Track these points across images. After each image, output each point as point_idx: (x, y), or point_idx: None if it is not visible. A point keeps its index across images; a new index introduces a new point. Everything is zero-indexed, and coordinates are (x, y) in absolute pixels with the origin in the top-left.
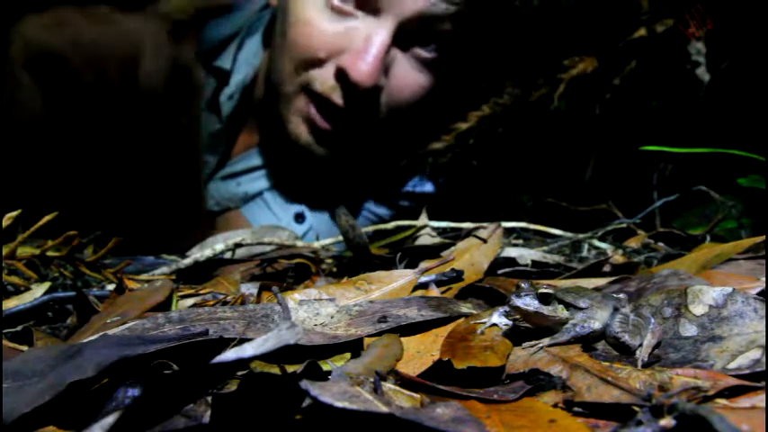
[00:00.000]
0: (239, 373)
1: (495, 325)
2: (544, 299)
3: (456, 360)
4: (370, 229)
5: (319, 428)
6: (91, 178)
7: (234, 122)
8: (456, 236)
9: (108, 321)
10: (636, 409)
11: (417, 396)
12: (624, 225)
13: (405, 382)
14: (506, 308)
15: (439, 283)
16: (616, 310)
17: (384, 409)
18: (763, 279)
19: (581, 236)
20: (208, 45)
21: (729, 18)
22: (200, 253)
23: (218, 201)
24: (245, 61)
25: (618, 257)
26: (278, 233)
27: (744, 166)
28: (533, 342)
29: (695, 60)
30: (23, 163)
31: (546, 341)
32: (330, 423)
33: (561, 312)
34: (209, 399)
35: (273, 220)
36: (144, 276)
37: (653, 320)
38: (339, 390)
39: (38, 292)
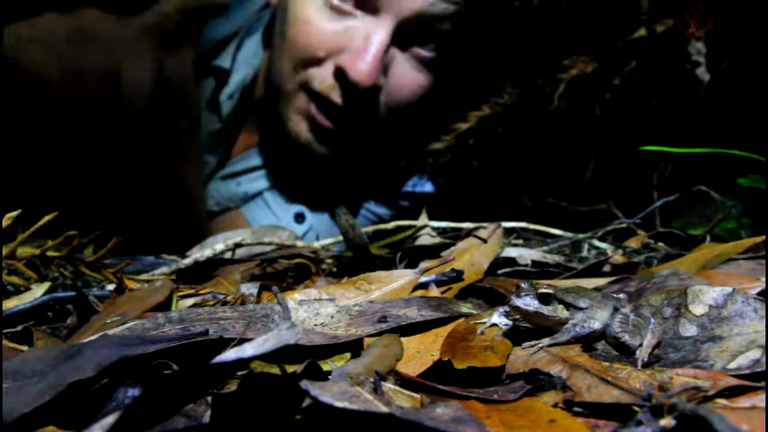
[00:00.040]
0: (239, 373)
1: (495, 325)
2: (544, 299)
3: (456, 360)
4: (370, 229)
5: (319, 428)
6: (90, 179)
7: (234, 122)
8: (456, 236)
9: (108, 321)
10: (636, 409)
11: (417, 396)
12: (624, 225)
13: (405, 382)
14: (506, 308)
15: (439, 283)
16: (616, 310)
17: (384, 409)
18: (763, 279)
19: (581, 236)
20: (207, 45)
21: (729, 18)
22: (200, 253)
23: (218, 201)
24: (245, 61)
25: (618, 257)
26: (278, 233)
27: (744, 166)
28: (533, 342)
29: (695, 60)
30: (23, 164)
31: (546, 341)
32: (330, 423)
33: (561, 312)
34: (209, 399)
35: (273, 220)
36: (144, 276)
37: (653, 320)
38: (339, 390)
39: (38, 292)
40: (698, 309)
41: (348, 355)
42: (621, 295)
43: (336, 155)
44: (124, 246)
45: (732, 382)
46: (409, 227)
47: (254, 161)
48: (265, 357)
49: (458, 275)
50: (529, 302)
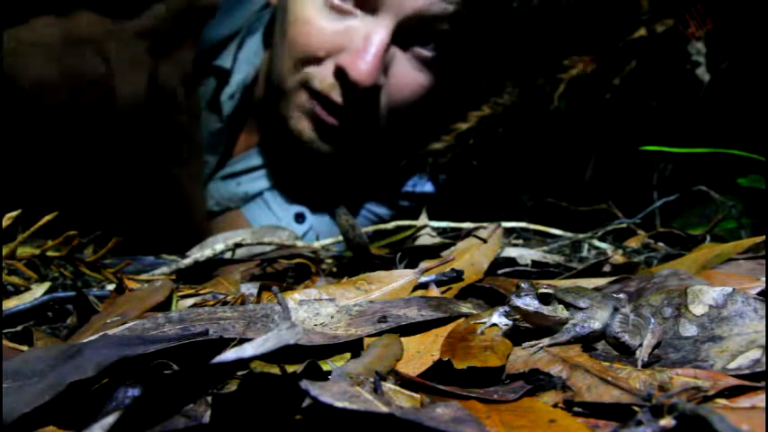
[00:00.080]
0: (239, 373)
1: (495, 325)
2: (544, 299)
3: (456, 360)
4: (370, 229)
5: (319, 428)
6: (90, 180)
7: (234, 122)
8: (456, 236)
9: (108, 321)
10: (636, 409)
11: (417, 396)
12: (624, 225)
13: (405, 382)
14: (506, 308)
15: (439, 283)
16: (616, 310)
17: (384, 409)
18: (763, 279)
19: (581, 236)
20: (208, 44)
21: (729, 18)
22: (200, 253)
23: (218, 201)
24: (246, 60)
25: (618, 257)
26: (278, 233)
27: (744, 166)
28: (533, 342)
29: (695, 60)
30: (23, 164)
31: (546, 341)
32: (330, 423)
33: (561, 312)
34: (209, 399)
35: (273, 220)
36: (144, 276)
37: (653, 320)
38: (339, 390)
39: (38, 292)
40: (698, 309)
41: (348, 355)
42: (621, 295)
43: (338, 153)
44: (124, 246)
45: (732, 382)
46: (409, 227)
47: (255, 161)
48: (265, 357)
49: (458, 275)
50: (529, 302)
